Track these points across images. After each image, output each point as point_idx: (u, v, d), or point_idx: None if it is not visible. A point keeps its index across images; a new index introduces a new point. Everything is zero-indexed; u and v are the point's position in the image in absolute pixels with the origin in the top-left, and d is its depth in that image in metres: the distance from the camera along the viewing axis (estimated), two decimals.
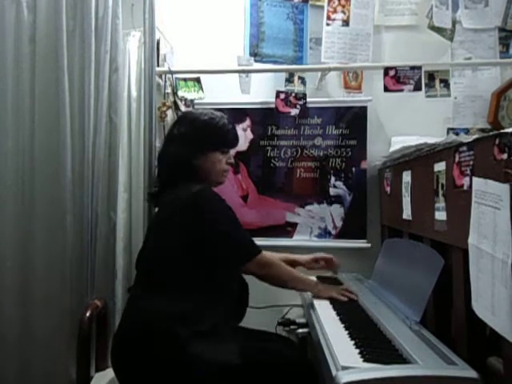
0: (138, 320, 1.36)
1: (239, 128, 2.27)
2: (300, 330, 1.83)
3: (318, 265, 1.83)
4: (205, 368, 1.26)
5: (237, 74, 2.12)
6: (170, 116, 2.20)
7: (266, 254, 1.51)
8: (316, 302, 1.59)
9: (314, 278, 1.81)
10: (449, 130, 2.18)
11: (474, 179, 1.08)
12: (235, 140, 1.61)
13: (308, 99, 2.13)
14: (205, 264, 1.39)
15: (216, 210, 1.42)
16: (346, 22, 2.09)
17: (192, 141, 1.51)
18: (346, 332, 1.29)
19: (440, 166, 1.32)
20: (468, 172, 1.14)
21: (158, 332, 1.29)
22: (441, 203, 1.32)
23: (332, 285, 1.74)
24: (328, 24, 2.10)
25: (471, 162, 1.12)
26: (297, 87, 2.10)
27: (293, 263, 1.77)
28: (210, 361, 1.26)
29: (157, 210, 1.61)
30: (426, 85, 1.95)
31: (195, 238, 1.38)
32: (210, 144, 1.52)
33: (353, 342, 1.21)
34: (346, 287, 1.69)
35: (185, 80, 2.19)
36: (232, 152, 1.61)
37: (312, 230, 2.26)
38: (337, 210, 2.25)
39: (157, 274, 1.41)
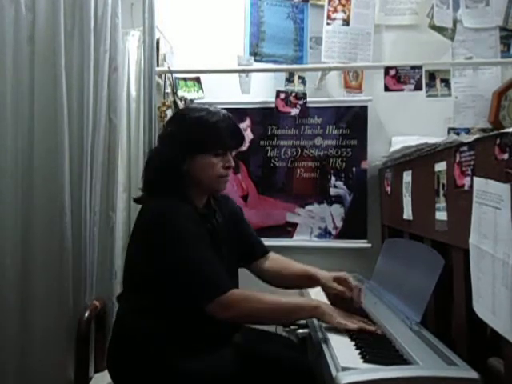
0: (125, 338, 1.33)
1: None
2: (300, 331, 1.81)
3: (338, 288, 1.40)
4: (196, 382, 1.24)
5: (237, 74, 2.12)
6: (170, 116, 2.19)
7: (244, 291, 1.28)
8: None
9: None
10: (449, 129, 2.17)
11: (475, 179, 1.07)
12: (234, 140, 1.37)
13: (308, 99, 2.12)
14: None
15: (167, 249, 1.23)
16: (346, 22, 2.09)
17: (179, 141, 1.31)
18: (347, 333, 1.29)
19: (441, 166, 1.32)
20: (469, 172, 1.13)
21: (145, 351, 1.26)
22: (441, 203, 1.31)
23: (339, 309, 1.35)
24: (328, 23, 2.09)
25: (472, 162, 1.12)
26: (297, 87, 2.10)
27: (310, 279, 1.47)
28: (200, 375, 1.23)
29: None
30: (426, 84, 1.94)
31: (155, 269, 1.26)
32: (199, 145, 1.31)
33: (353, 343, 1.21)
34: (362, 320, 1.33)
35: (185, 80, 2.19)
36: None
37: (312, 230, 2.25)
38: (337, 210, 2.24)
39: (137, 291, 1.34)
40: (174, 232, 1.24)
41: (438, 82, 1.95)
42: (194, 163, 1.32)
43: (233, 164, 1.37)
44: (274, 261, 1.57)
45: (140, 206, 1.42)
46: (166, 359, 1.25)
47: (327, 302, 1.43)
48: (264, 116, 2.27)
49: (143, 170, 1.42)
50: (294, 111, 2.12)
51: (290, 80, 2.09)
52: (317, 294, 1.67)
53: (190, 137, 1.31)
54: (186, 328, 1.28)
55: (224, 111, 1.38)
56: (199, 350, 1.26)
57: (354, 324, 1.28)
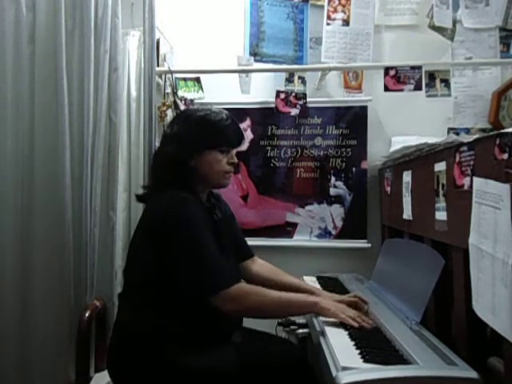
0: (126, 336, 1.34)
1: None
2: (300, 331, 1.81)
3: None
4: (197, 380, 1.25)
5: (237, 74, 2.12)
6: (170, 116, 2.19)
7: (246, 285, 1.36)
8: None
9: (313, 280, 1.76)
10: (449, 129, 2.17)
11: (475, 179, 1.07)
12: (236, 138, 1.44)
13: (308, 99, 2.13)
14: (175, 289, 1.29)
15: (178, 237, 1.28)
16: (346, 22, 2.09)
17: (186, 139, 1.37)
18: (346, 332, 1.29)
19: (440, 166, 1.32)
20: (468, 172, 1.13)
21: (146, 349, 1.27)
22: (441, 203, 1.31)
23: (339, 303, 1.41)
24: (328, 24, 2.09)
25: (472, 162, 1.12)
26: (297, 87, 2.10)
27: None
28: (200, 373, 1.24)
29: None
30: (426, 84, 1.94)
31: (160, 261, 1.29)
32: (206, 142, 1.38)
33: (353, 343, 1.21)
34: (359, 313, 1.37)
35: (185, 80, 2.19)
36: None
37: (312, 230, 2.25)
38: (337, 210, 2.24)
39: (138, 290, 1.35)
40: (185, 221, 1.28)
41: (437, 82, 1.95)
42: (201, 159, 1.38)
43: (236, 161, 1.45)
44: (261, 266, 1.64)
45: (138, 206, 1.41)
46: (167, 357, 1.26)
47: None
48: (264, 116, 2.27)
49: (151, 169, 1.48)
50: (294, 111, 2.12)
51: (290, 80, 2.10)
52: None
53: (196, 134, 1.38)
54: (186, 326, 1.29)
55: (225, 111, 1.44)
56: (199, 347, 1.27)
57: (352, 320, 1.31)
